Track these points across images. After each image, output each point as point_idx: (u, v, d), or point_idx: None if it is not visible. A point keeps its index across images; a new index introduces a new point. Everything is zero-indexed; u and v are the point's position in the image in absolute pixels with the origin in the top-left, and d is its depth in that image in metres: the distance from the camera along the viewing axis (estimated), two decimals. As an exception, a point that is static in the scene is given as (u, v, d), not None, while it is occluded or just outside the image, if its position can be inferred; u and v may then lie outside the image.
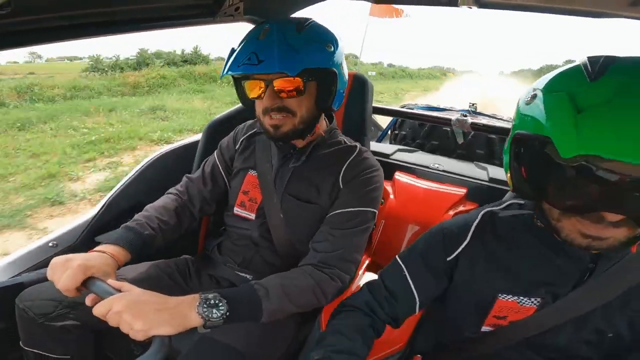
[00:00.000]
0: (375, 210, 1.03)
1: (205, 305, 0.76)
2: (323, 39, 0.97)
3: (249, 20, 1.21)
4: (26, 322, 0.98)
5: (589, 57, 0.61)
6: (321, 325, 0.96)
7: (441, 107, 2.67)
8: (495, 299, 0.75)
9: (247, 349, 0.94)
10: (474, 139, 2.43)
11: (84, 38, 0.80)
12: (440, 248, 0.80)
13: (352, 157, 1.06)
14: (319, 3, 1.38)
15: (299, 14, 1.41)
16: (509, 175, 0.66)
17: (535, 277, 0.72)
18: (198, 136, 1.50)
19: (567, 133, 0.54)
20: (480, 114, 2.50)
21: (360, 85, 1.43)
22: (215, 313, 0.76)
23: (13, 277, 1.09)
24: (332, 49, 0.97)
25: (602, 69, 0.57)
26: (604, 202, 0.55)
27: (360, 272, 1.22)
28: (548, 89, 0.61)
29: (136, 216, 1.05)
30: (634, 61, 0.57)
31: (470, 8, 1.20)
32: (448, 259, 0.79)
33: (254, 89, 0.97)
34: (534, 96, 0.62)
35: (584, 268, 0.70)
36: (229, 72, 0.93)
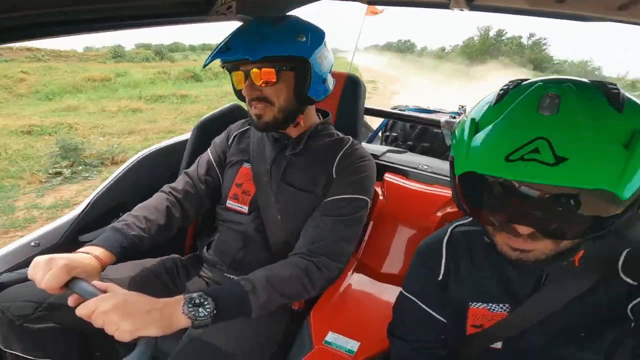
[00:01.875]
0: (367, 199, 1.05)
1: (190, 305, 0.76)
2: (295, 29, 1.01)
3: (240, 19, 1.20)
4: (4, 323, 0.95)
5: (509, 81, 0.66)
6: (310, 325, 0.96)
7: (431, 109, 2.69)
8: (468, 307, 0.79)
9: (236, 349, 0.93)
10: None
11: (75, 34, 0.79)
12: (429, 271, 0.83)
13: (344, 148, 1.09)
14: (313, 3, 1.37)
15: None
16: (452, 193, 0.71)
17: (499, 284, 0.77)
18: (186, 135, 1.48)
19: (460, 152, 0.61)
20: None
21: (353, 86, 1.43)
22: (202, 312, 0.76)
23: None
24: (305, 39, 1.00)
25: (505, 92, 0.63)
26: (513, 216, 0.60)
27: (349, 273, 1.22)
28: (468, 115, 0.67)
29: (124, 216, 1.02)
30: (532, 82, 0.61)
31: (462, 10, 1.22)
32: (439, 279, 0.82)
33: (237, 80, 1.03)
34: (460, 122, 0.68)
35: (538, 276, 0.74)
36: (206, 61, 0.99)
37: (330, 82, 1.12)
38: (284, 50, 0.97)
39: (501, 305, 0.76)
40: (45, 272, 0.77)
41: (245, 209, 1.13)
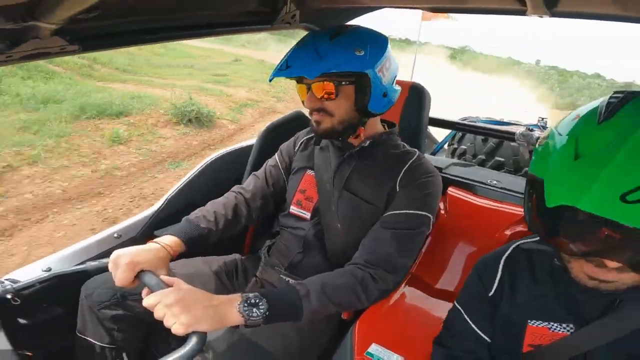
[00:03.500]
0: (430, 216, 1.02)
1: (245, 304, 0.78)
2: (353, 43, 0.98)
3: (304, 28, 1.24)
4: (85, 309, 1.03)
5: (612, 94, 0.56)
6: (354, 335, 0.93)
7: (505, 120, 2.49)
8: (526, 325, 0.74)
9: (281, 351, 0.95)
10: None
11: (150, 43, 0.88)
12: (481, 286, 0.81)
13: (410, 161, 1.07)
14: (374, 12, 1.38)
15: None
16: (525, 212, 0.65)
17: (562, 305, 0.72)
18: (252, 140, 1.56)
19: (556, 181, 0.53)
20: None
21: (417, 95, 1.39)
22: (255, 312, 0.78)
23: (77, 264, 1.13)
24: (363, 52, 0.98)
25: (615, 108, 0.53)
26: (603, 249, 0.54)
27: (402, 285, 1.16)
28: (559, 130, 0.58)
29: (196, 210, 1.10)
30: None
31: (541, 17, 1.14)
32: (489, 294, 0.79)
33: (301, 92, 1.05)
34: (547, 137, 0.60)
35: (610, 300, 0.67)
36: (270, 78, 1.02)
37: (396, 93, 1.09)
38: (341, 67, 0.95)
39: (564, 325, 0.71)
40: (116, 269, 0.84)
41: (307, 215, 1.15)
